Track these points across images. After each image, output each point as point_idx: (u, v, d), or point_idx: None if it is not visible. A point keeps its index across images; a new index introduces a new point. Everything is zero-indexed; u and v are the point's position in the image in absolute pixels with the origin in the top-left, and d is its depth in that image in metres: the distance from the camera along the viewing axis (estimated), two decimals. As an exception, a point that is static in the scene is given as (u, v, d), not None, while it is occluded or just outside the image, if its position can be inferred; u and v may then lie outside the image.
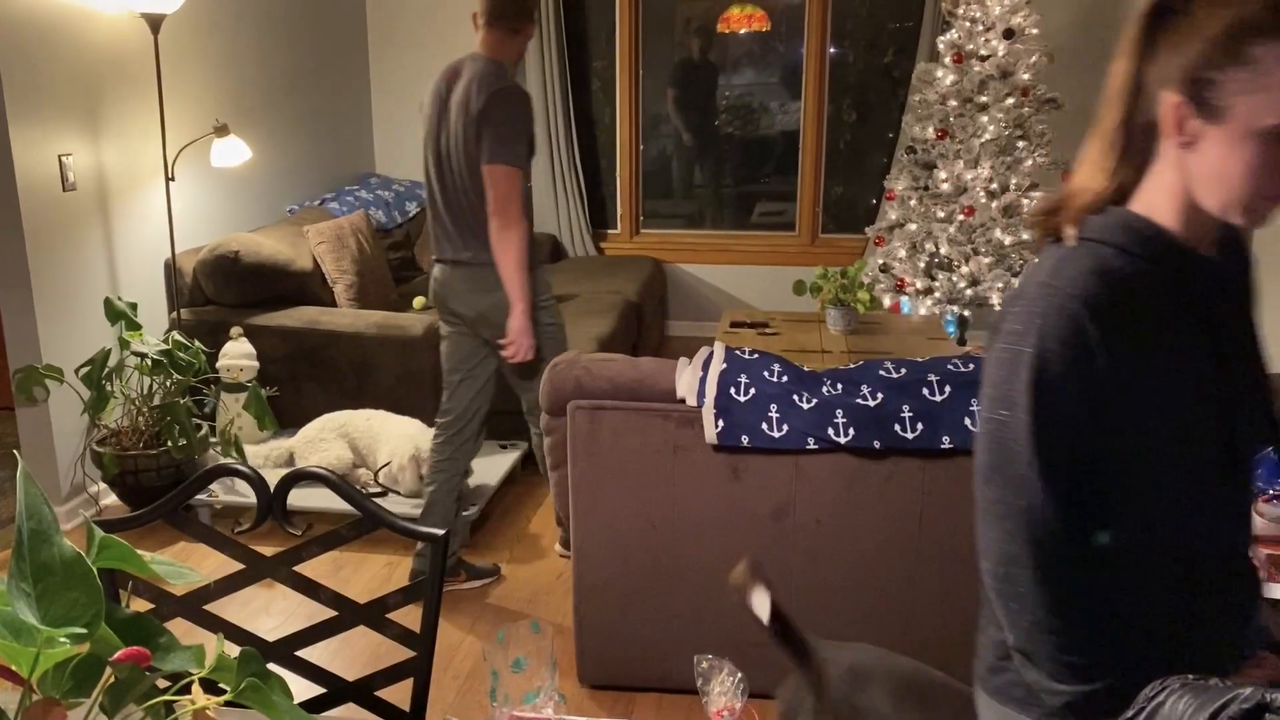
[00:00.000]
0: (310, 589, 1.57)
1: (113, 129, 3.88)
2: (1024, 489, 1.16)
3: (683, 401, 2.51)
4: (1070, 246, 1.19)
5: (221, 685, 1.01)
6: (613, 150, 6.09)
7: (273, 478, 1.54)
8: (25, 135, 3.46)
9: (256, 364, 3.97)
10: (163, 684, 1.04)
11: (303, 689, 1.45)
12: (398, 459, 3.61)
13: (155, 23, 3.75)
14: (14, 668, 0.93)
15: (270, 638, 1.58)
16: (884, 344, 4.25)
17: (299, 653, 1.58)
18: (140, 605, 1.52)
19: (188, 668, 1.01)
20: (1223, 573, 1.24)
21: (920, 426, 2.40)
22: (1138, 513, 1.18)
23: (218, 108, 4.51)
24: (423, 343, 4.12)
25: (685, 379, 2.54)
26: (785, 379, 2.51)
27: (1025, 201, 4.72)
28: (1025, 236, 4.70)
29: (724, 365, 2.54)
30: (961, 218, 4.76)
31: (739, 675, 1.36)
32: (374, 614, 1.57)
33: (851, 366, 2.58)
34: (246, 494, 3.62)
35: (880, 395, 2.44)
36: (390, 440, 3.71)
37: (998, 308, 4.75)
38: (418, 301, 5.00)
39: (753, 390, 2.48)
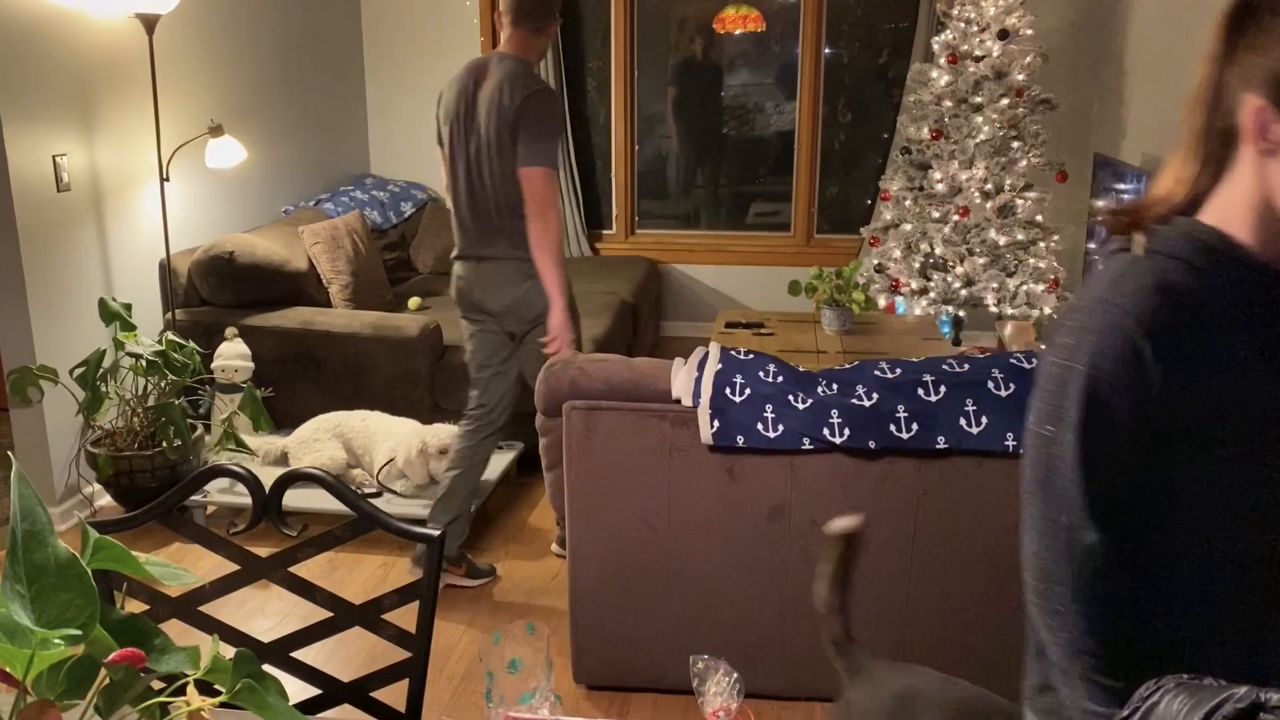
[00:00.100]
0: (305, 590, 1.57)
1: (107, 129, 3.87)
2: (1066, 507, 1.12)
3: (678, 402, 2.52)
4: (1134, 257, 1.12)
5: (217, 686, 1.01)
6: (608, 150, 6.09)
7: (266, 475, 1.54)
8: (19, 135, 3.46)
9: (251, 364, 3.97)
10: (158, 685, 1.04)
11: (298, 690, 1.45)
12: (403, 453, 3.60)
13: (150, 23, 3.74)
14: (8, 669, 0.93)
15: (265, 639, 1.57)
16: (879, 344, 4.26)
17: (294, 654, 1.58)
18: (135, 606, 1.51)
19: (183, 669, 1.01)
20: None
21: (915, 427, 2.41)
22: (1192, 538, 1.13)
23: (213, 108, 4.51)
24: (418, 343, 4.11)
25: (681, 379, 2.54)
26: (780, 379, 2.51)
27: (1020, 202, 4.73)
28: (1020, 236, 4.71)
29: (719, 366, 2.54)
30: (956, 218, 4.77)
31: (734, 675, 1.36)
32: (369, 615, 1.57)
33: (847, 367, 2.59)
34: (242, 495, 3.62)
35: (875, 395, 2.44)
36: (389, 439, 3.71)
37: (992, 308, 4.76)
38: (413, 302, 5.00)
39: (748, 391, 2.48)
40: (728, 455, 2.49)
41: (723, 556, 2.57)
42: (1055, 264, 4.74)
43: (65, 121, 3.66)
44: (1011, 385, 2.41)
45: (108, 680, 0.96)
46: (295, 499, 3.26)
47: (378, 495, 3.67)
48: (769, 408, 2.46)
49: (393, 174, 6.12)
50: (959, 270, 4.78)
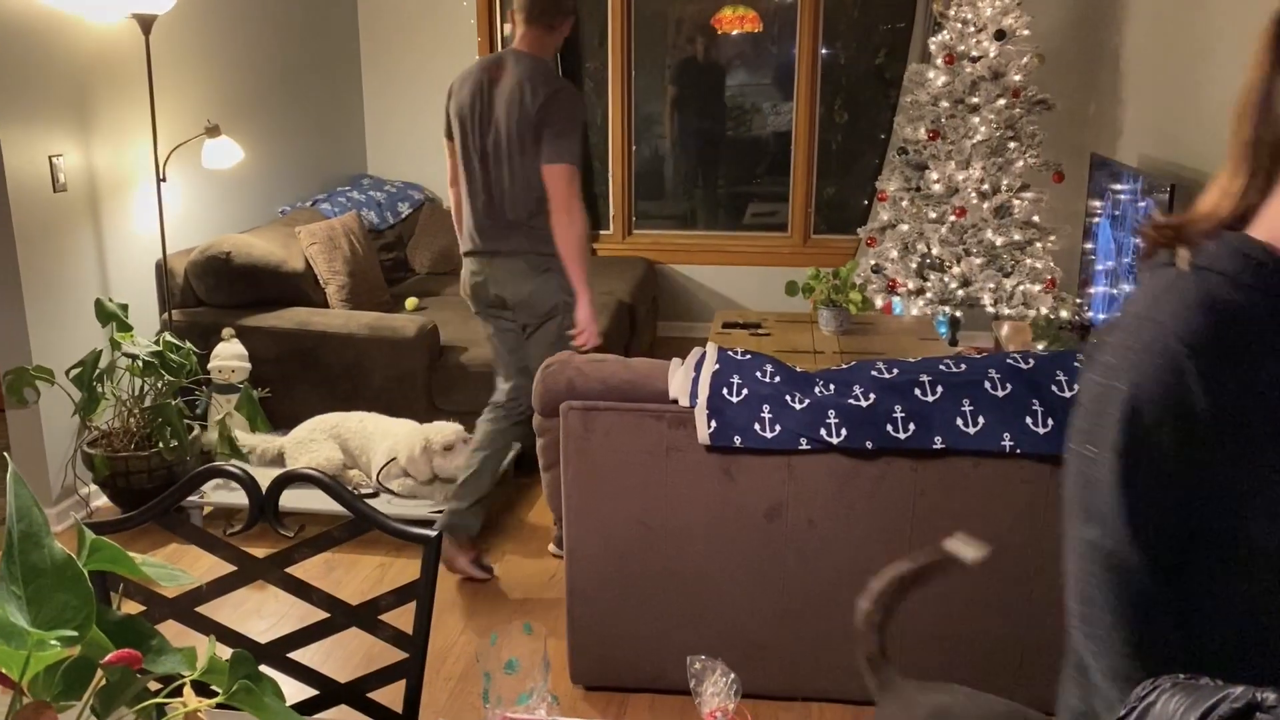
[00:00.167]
0: (302, 591, 1.57)
1: (104, 129, 3.86)
2: (1108, 530, 1.08)
3: (675, 402, 2.52)
4: (1178, 273, 1.08)
5: (213, 687, 1.00)
6: (605, 151, 6.09)
7: (262, 476, 1.53)
8: (15, 136, 3.45)
9: (248, 365, 3.97)
10: (154, 686, 1.04)
11: (295, 691, 1.45)
12: (405, 452, 3.59)
13: (147, 23, 3.74)
14: (5, 670, 0.93)
15: (262, 640, 1.57)
16: (876, 344, 4.26)
17: (291, 654, 1.58)
18: (131, 607, 1.51)
19: (179, 670, 1.01)
20: None
21: (912, 427, 2.41)
22: (1237, 559, 1.08)
23: (209, 108, 4.50)
24: (415, 344, 4.11)
25: (678, 380, 2.54)
26: (778, 379, 2.52)
27: (1016, 202, 4.74)
28: (1016, 237, 4.72)
29: (716, 366, 2.54)
30: (953, 218, 4.77)
31: (732, 676, 1.36)
32: (366, 615, 1.57)
33: (844, 367, 2.59)
34: (239, 495, 3.61)
35: (872, 396, 2.44)
36: (386, 439, 3.70)
37: (989, 308, 4.77)
38: (410, 303, 5.00)
39: (745, 391, 2.48)
40: (725, 455, 2.49)
41: (720, 557, 2.57)
42: (1052, 264, 4.74)
43: (62, 122, 3.66)
44: (1008, 385, 2.41)
45: (104, 681, 0.96)
46: (292, 500, 3.23)
47: (374, 496, 3.67)
48: (766, 408, 2.46)
49: (389, 174, 6.12)
50: (956, 270, 4.79)
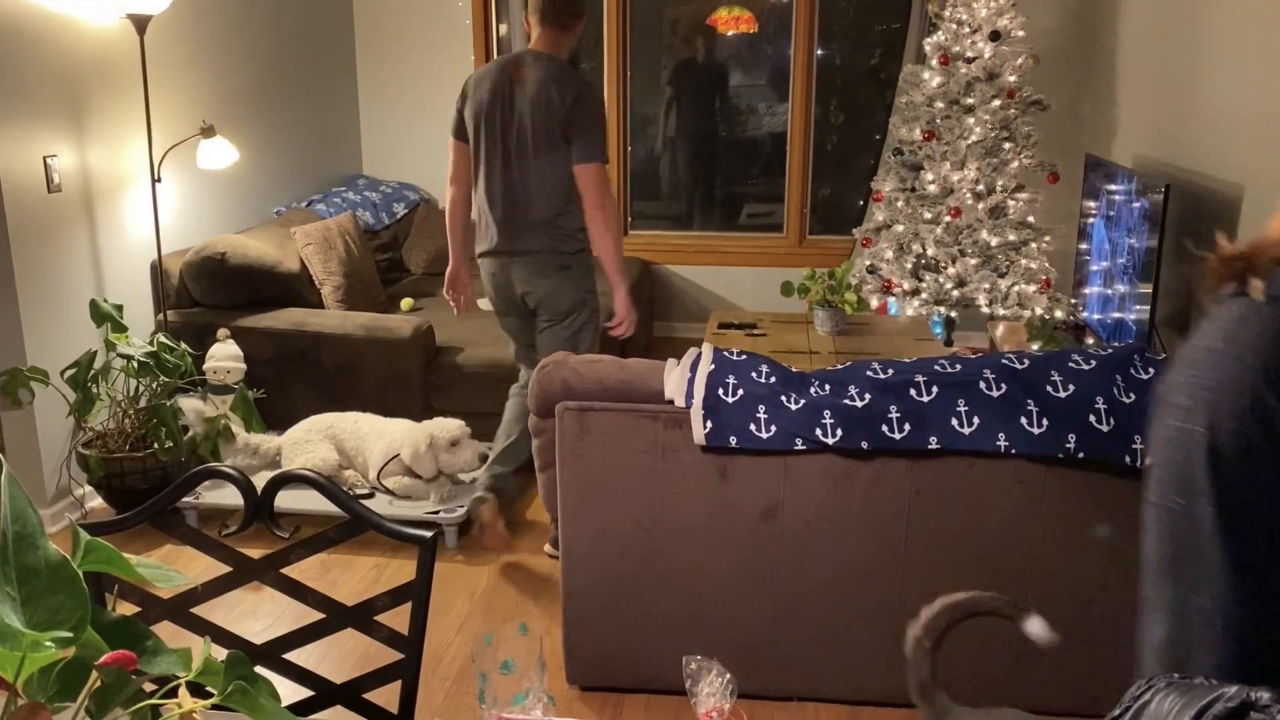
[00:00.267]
0: (298, 591, 1.56)
1: (98, 130, 3.86)
2: (1207, 586, 1.01)
3: (671, 402, 2.52)
4: (1251, 303, 1.03)
5: (208, 688, 1.00)
6: (601, 151, 6.09)
7: (258, 477, 1.53)
8: (10, 136, 3.44)
9: (244, 366, 3.96)
10: (149, 687, 1.04)
11: (290, 692, 1.44)
12: (409, 449, 3.58)
13: (141, 24, 3.73)
14: (-1, 672, 0.92)
15: (258, 640, 1.57)
16: (871, 345, 4.27)
17: (286, 655, 1.57)
18: (126, 608, 1.51)
19: (174, 671, 1.01)
20: None
21: (908, 427, 2.41)
22: None
23: (204, 109, 4.50)
24: (410, 344, 4.11)
25: (673, 380, 2.54)
26: (773, 380, 2.52)
27: (1011, 203, 4.74)
28: (1011, 237, 4.72)
29: (712, 366, 2.54)
30: (948, 219, 4.78)
31: (727, 676, 1.36)
32: (362, 616, 1.56)
33: (839, 367, 2.59)
34: (234, 496, 3.61)
35: (868, 396, 2.44)
36: (382, 438, 3.69)
37: (984, 309, 4.77)
38: (405, 303, 4.99)
39: (741, 391, 2.48)
40: (720, 456, 2.49)
41: (715, 557, 2.57)
42: (1047, 265, 4.75)
43: (56, 122, 3.65)
44: (1003, 386, 2.42)
45: (99, 683, 0.96)
46: (287, 500, 3.24)
47: (370, 496, 3.66)
48: (762, 408, 2.46)
49: (385, 175, 6.11)
50: (951, 271, 4.79)
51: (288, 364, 4.14)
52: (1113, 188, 4.37)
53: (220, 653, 1.04)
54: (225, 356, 3.93)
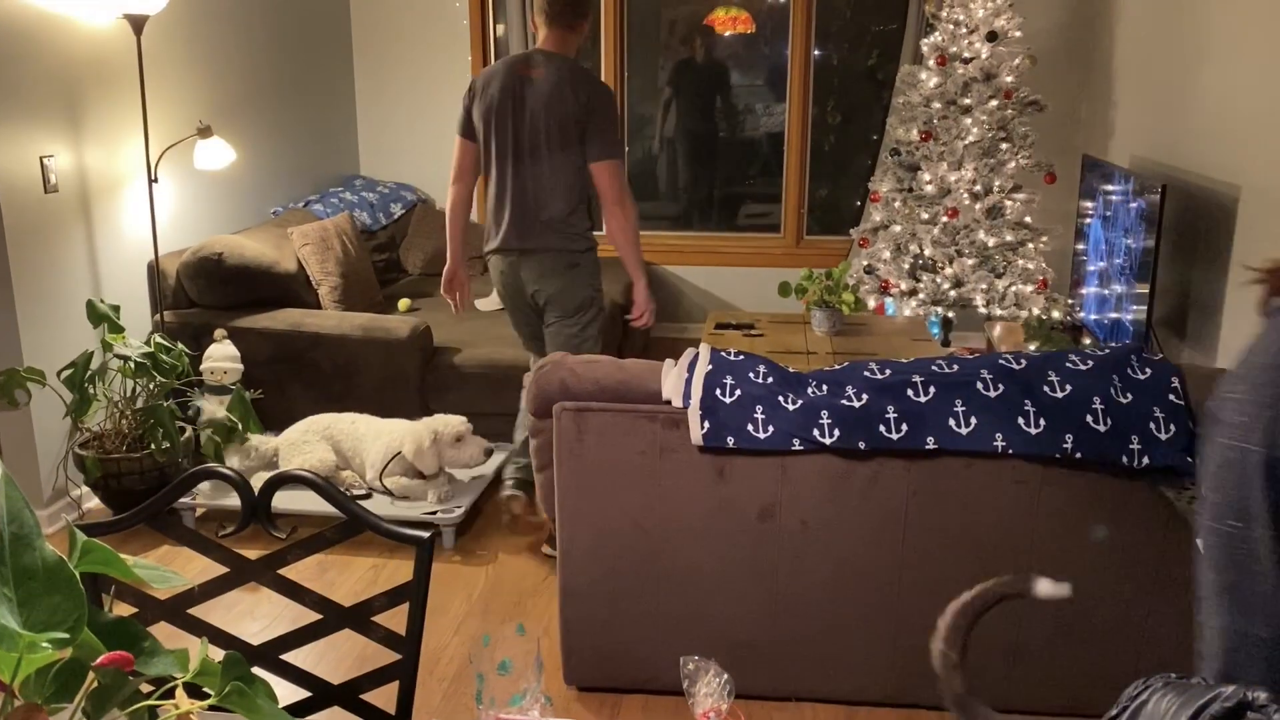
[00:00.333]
0: (295, 592, 1.56)
1: (95, 130, 3.85)
2: (1265, 617, 0.97)
3: (668, 403, 2.52)
4: None
5: (205, 690, 1.00)
6: (598, 152, 6.08)
7: (255, 478, 1.53)
8: (6, 136, 3.44)
9: (240, 366, 3.95)
10: (146, 689, 1.04)
11: (287, 693, 1.44)
12: (412, 446, 3.57)
13: (138, 24, 3.72)
14: (-4, 673, 0.92)
15: (255, 641, 1.57)
16: (868, 345, 4.27)
17: (284, 656, 1.57)
18: (123, 609, 1.51)
19: (171, 672, 1.01)
20: None
21: (905, 427, 2.41)
22: None
23: (201, 109, 4.49)
24: (407, 345, 4.11)
25: (671, 380, 2.54)
26: (770, 380, 2.52)
27: (1008, 203, 4.75)
28: (1008, 238, 4.73)
29: (709, 367, 2.54)
30: (945, 219, 4.78)
31: (725, 676, 1.36)
32: (359, 617, 1.56)
33: (836, 368, 2.59)
34: (231, 497, 3.60)
35: (865, 396, 2.45)
36: (379, 439, 3.69)
37: (981, 309, 4.78)
38: (403, 304, 4.99)
39: (738, 391, 2.48)
40: (718, 456, 2.49)
41: (713, 557, 2.57)
42: (1044, 265, 4.76)
43: (52, 122, 3.65)
44: (1000, 386, 2.42)
45: (96, 683, 0.95)
46: (284, 501, 3.24)
47: (367, 497, 3.66)
48: (759, 409, 2.46)
49: (382, 175, 6.11)
50: (948, 271, 4.80)
51: (285, 364, 4.14)
52: (1109, 188, 4.37)
53: (217, 653, 1.04)
54: (222, 357, 3.92)
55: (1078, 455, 2.36)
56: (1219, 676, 0.99)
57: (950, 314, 4.96)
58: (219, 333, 3.98)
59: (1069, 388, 2.40)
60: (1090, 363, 2.45)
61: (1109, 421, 2.35)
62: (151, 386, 3.67)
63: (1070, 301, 4.85)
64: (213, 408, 3.80)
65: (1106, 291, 4.40)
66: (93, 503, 3.82)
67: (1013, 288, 4.72)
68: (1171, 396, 2.38)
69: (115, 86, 3.94)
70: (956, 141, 4.75)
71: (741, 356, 2.59)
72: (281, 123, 5.23)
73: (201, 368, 3.90)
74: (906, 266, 4.91)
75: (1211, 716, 0.88)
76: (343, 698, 1.58)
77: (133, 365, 3.57)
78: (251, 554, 1.59)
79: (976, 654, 2.63)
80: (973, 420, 2.39)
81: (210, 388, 3.91)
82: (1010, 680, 2.58)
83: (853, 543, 2.52)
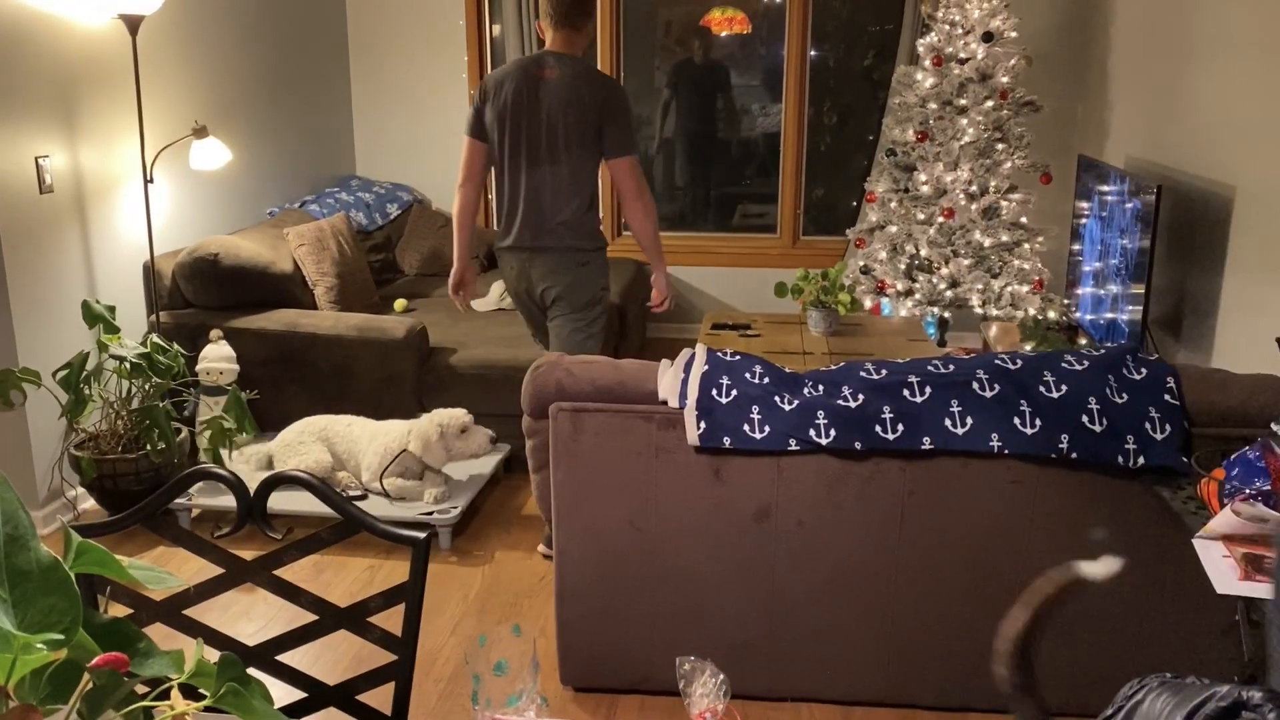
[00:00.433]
0: (291, 593, 1.56)
1: (90, 130, 3.85)
2: None
3: (665, 403, 2.52)
4: None
5: (201, 690, 1.00)
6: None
7: (250, 478, 1.53)
8: (1, 136, 3.43)
9: (236, 367, 3.95)
10: (141, 690, 1.03)
11: (283, 694, 1.44)
12: (419, 441, 3.57)
13: (134, 24, 3.72)
14: (-10, 674, 0.92)
15: (250, 642, 1.57)
16: (865, 345, 4.27)
17: (279, 657, 1.57)
18: (119, 610, 1.51)
19: (167, 673, 1.01)
20: None
21: (901, 427, 2.41)
22: None
23: (197, 109, 4.49)
24: (404, 345, 4.10)
25: (667, 381, 2.55)
26: (767, 380, 2.52)
27: (1004, 204, 4.75)
28: (1004, 238, 4.73)
29: (706, 367, 2.54)
30: (941, 220, 4.78)
31: (721, 677, 1.36)
32: (355, 618, 1.56)
33: (833, 368, 2.59)
34: (227, 498, 3.60)
35: (861, 396, 2.45)
36: (376, 440, 3.68)
37: (977, 309, 4.78)
38: (399, 304, 4.99)
39: (734, 392, 2.48)
40: (714, 456, 2.49)
41: (709, 557, 2.57)
42: (1040, 265, 4.76)
43: (48, 123, 3.64)
44: (996, 386, 2.42)
45: (91, 685, 0.95)
46: (280, 502, 3.24)
47: (362, 498, 3.66)
48: (755, 409, 2.46)
49: (378, 175, 6.11)
50: (944, 272, 4.80)
51: (281, 365, 4.13)
52: (1105, 188, 4.38)
53: (213, 654, 1.04)
54: (218, 358, 3.91)
55: (1073, 455, 2.36)
56: None
57: (946, 314, 4.97)
58: (215, 333, 3.97)
59: (1065, 388, 2.40)
60: (1086, 363, 2.45)
61: (1105, 422, 2.36)
62: (147, 387, 3.66)
63: (1066, 302, 4.86)
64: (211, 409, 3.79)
65: (1102, 292, 4.41)
66: (88, 504, 3.81)
67: (1009, 288, 4.72)
68: (1167, 397, 2.39)
69: (110, 87, 3.94)
70: (952, 142, 4.76)
71: (738, 357, 2.59)
72: (277, 123, 5.23)
73: (197, 368, 3.89)
74: (902, 267, 4.92)
75: (1206, 716, 0.88)
76: (339, 698, 1.58)
77: (128, 366, 3.56)
78: (247, 555, 1.59)
79: (974, 653, 2.64)
80: (969, 420, 2.40)
81: (206, 388, 3.90)
82: (1006, 680, 2.58)
83: (849, 543, 2.53)
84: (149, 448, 3.56)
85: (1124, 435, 2.35)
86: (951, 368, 2.50)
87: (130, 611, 1.54)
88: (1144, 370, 2.44)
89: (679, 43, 6.09)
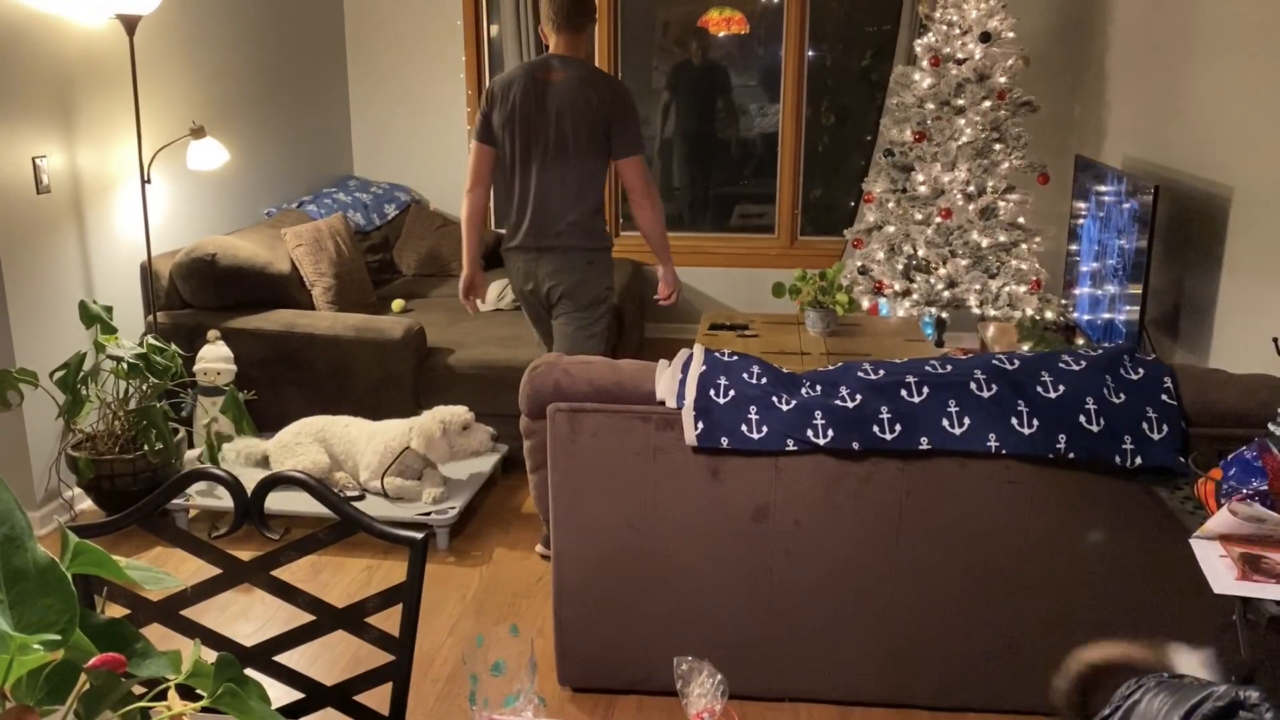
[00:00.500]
0: (288, 593, 1.56)
1: (88, 130, 3.84)
2: None
3: (662, 404, 2.52)
4: None
5: (198, 691, 1.00)
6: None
7: (246, 478, 1.53)
8: (-2, 137, 3.43)
9: (234, 367, 3.95)
10: (139, 690, 1.03)
11: (281, 694, 1.44)
12: (421, 438, 3.57)
13: (131, 24, 3.72)
14: (-13, 675, 0.92)
15: (248, 643, 1.56)
16: (862, 346, 4.27)
17: (277, 658, 1.57)
18: (116, 611, 1.50)
19: (164, 674, 1.01)
20: None
21: (898, 428, 2.41)
22: None
23: (194, 109, 4.48)
24: (401, 346, 4.10)
25: (665, 381, 2.55)
26: (764, 381, 2.52)
27: (1002, 204, 4.76)
28: (1002, 238, 4.74)
29: (703, 367, 2.54)
30: (939, 220, 4.79)
31: (718, 677, 1.36)
32: (352, 618, 1.56)
33: (830, 368, 2.59)
34: (224, 498, 3.60)
35: (859, 397, 2.45)
36: (373, 440, 3.68)
37: (975, 310, 4.78)
38: (396, 304, 4.98)
39: (732, 392, 2.48)
40: (712, 457, 2.49)
41: (707, 558, 2.58)
42: (1037, 266, 4.77)
43: (45, 123, 3.64)
44: (993, 386, 2.42)
45: (88, 686, 0.95)
46: (277, 502, 3.24)
47: (360, 498, 3.66)
48: (753, 409, 2.46)
49: (376, 176, 6.10)
50: (942, 272, 4.80)
51: (278, 366, 4.13)
52: (1102, 189, 4.38)
53: (210, 655, 1.04)
54: (215, 358, 3.91)
55: (1071, 455, 2.37)
56: None
57: (944, 314, 4.97)
58: (212, 334, 3.97)
59: (1062, 388, 2.40)
60: (1083, 363, 2.46)
61: (1102, 422, 2.36)
62: (144, 388, 3.66)
63: (1063, 302, 4.86)
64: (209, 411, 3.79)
65: (1100, 292, 4.41)
66: (85, 504, 3.81)
67: (1006, 288, 4.73)
68: (1164, 397, 2.39)
69: (108, 87, 3.93)
70: (950, 142, 4.76)
71: (735, 357, 2.59)
72: (275, 123, 5.23)
73: (194, 369, 3.89)
74: (900, 267, 4.92)
75: (1204, 716, 0.88)
76: (336, 699, 1.58)
77: (125, 366, 3.56)
78: (245, 555, 1.59)
79: (972, 653, 2.64)
80: (966, 420, 2.40)
81: (203, 389, 3.90)
82: (1004, 679, 2.59)
83: (846, 543, 2.53)
84: (146, 448, 3.55)
85: (1121, 435, 2.35)
86: (949, 368, 2.50)
87: (127, 612, 1.54)
88: (1141, 370, 2.44)
89: (677, 43, 6.09)
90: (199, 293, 4.17)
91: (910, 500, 2.48)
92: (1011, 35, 4.71)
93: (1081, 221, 4.74)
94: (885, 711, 2.66)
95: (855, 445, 2.43)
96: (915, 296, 4.86)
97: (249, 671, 1.09)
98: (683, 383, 2.51)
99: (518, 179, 3.44)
